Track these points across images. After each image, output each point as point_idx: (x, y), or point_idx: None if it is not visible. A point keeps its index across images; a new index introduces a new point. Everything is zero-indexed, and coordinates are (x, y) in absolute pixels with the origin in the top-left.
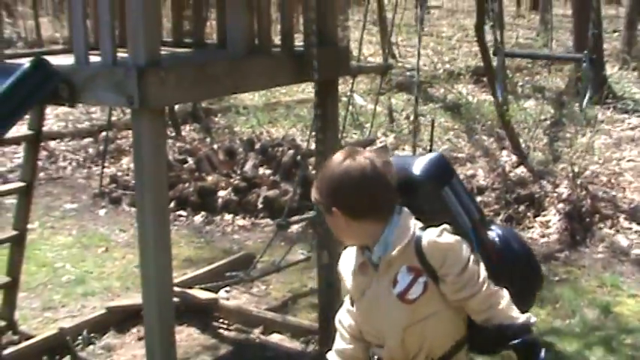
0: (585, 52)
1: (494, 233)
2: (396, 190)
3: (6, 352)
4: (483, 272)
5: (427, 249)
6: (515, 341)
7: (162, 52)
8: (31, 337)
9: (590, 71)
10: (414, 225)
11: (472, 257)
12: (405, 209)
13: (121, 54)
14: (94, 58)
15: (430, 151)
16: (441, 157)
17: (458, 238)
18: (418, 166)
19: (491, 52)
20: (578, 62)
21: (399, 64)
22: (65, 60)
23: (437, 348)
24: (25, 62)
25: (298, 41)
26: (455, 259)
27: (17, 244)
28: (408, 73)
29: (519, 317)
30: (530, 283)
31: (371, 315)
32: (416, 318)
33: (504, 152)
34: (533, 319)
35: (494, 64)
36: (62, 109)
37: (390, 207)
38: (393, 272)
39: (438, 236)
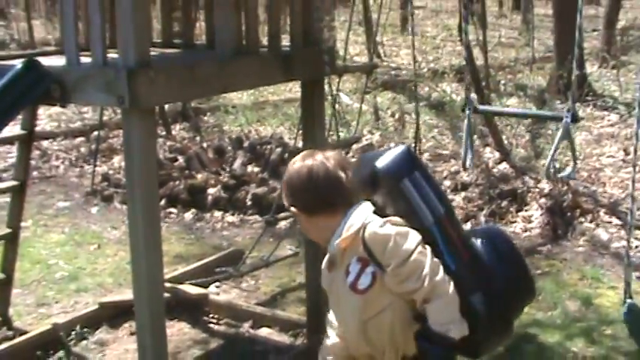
0: (566, 108)
1: (477, 234)
2: (353, 185)
3: (1, 347)
4: (429, 267)
5: (369, 239)
6: (423, 346)
7: (152, 53)
8: (26, 332)
9: (570, 131)
10: (367, 217)
11: (418, 250)
12: (366, 202)
13: (112, 55)
14: (85, 60)
15: (415, 147)
16: (405, 150)
17: (401, 229)
18: (381, 160)
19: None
20: (559, 120)
21: (385, 64)
22: (57, 61)
23: (406, 343)
24: (18, 63)
25: (285, 42)
26: (394, 251)
27: (11, 241)
28: (392, 72)
29: (444, 325)
30: (515, 286)
31: (337, 309)
32: (372, 310)
33: (487, 149)
34: (453, 334)
35: (465, 121)
36: (55, 110)
37: (346, 202)
38: (346, 263)
39: (379, 227)
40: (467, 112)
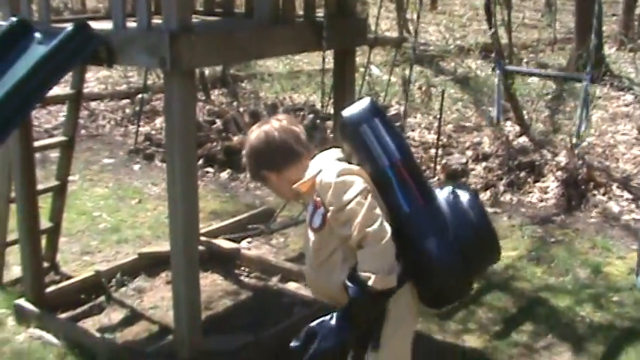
0: (586, 71)
1: (448, 189)
2: (306, 139)
3: (49, 289)
4: (363, 217)
5: (317, 185)
6: (348, 284)
7: (194, 20)
8: (71, 277)
9: (589, 91)
10: (326, 163)
11: (356, 200)
12: (331, 150)
13: (156, 20)
14: (131, 24)
15: (440, 119)
16: (368, 101)
17: (347, 178)
18: (346, 109)
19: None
20: (578, 81)
21: (413, 40)
22: (105, 25)
23: None
24: (69, 26)
25: (319, 12)
26: (334, 197)
27: (59, 193)
28: (421, 47)
29: (367, 272)
30: (475, 238)
31: (305, 246)
32: (325, 251)
33: (508, 123)
34: (373, 283)
35: (495, 80)
36: (102, 73)
37: (309, 150)
38: (307, 204)
39: (328, 174)
40: (497, 72)
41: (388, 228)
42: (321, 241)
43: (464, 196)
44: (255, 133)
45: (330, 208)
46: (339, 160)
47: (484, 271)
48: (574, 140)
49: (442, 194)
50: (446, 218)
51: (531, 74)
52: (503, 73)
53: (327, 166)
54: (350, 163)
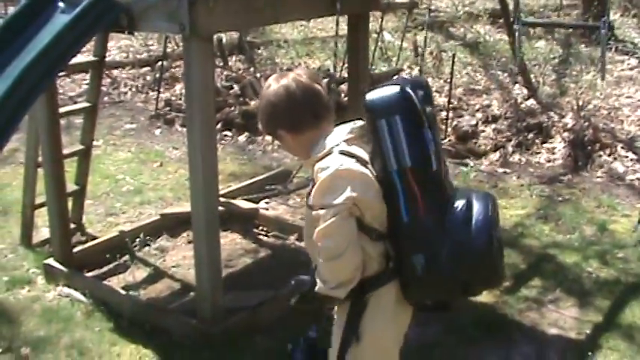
0: (603, 19)
1: (469, 197)
2: (329, 100)
3: (76, 249)
4: (326, 230)
5: (315, 171)
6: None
7: None
8: (96, 238)
9: (606, 38)
10: (335, 144)
11: (331, 211)
12: (342, 127)
13: None
14: None
15: (450, 83)
16: (396, 92)
17: (335, 182)
18: (373, 92)
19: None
20: (596, 29)
21: (424, 6)
22: None
23: None
24: None
25: None
26: (317, 192)
27: (84, 157)
28: (431, 14)
29: (318, 276)
30: (470, 261)
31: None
32: (311, 228)
33: (517, 86)
34: (318, 288)
35: (516, 33)
36: (124, 42)
37: (329, 114)
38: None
39: (325, 165)
40: (516, 26)
41: (346, 251)
42: (313, 220)
43: (477, 213)
44: (274, 88)
45: (311, 198)
46: (352, 137)
47: (479, 292)
48: (598, 80)
49: (456, 205)
50: (444, 235)
51: (549, 25)
52: (522, 25)
53: (331, 156)
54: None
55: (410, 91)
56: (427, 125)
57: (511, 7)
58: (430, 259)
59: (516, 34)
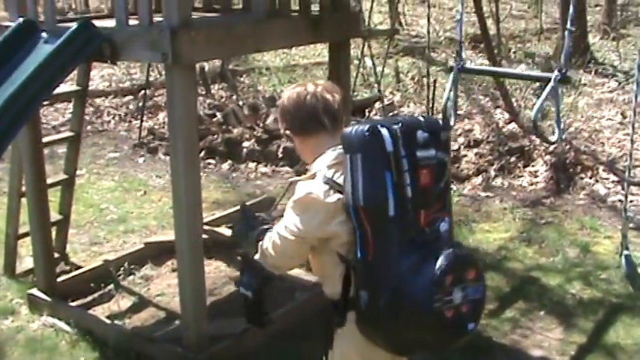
0: (557, 67)
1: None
2: (338, 111)
3: (60, 279)
4: (279, 242)
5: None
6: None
7: (193, 16)
8: (80, 267)
9: (558, 92)
10: (319, 169)
11: (291, 230)
12: (333, 151)
13: (157, 18)
14: (133, 22)
15: (432, 108)
16: (366, 129)
17: (304, 208)
18: (348, 128)
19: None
20: (546, 81)
21: (405, 32)
22: (108, 23)
23: (327, 283)
24: (73, 25)
25: (314, 6)
26: (289, 205)
27: (67, 186)
28: (413, 40)
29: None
30: (412, 315)
31: None
32: None
33: (498, 110)
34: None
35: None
36: (106, 71)
37: (335, 122)
38: None
39: (300, 189)
40: (455, 69)
41: (283, 263)
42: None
43: (429, 269)
44: (288, 93)
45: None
46: (337, 163)
47: (434, 348)
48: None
49: (411, 258)
50: (390, 282)
51: (491, 73)
52: (459, 72)
53: (313, 181)
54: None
55: (384, 131)
56: (402, 169)
57: (492, 32)
58: (372, 298)
59: (450, 76)
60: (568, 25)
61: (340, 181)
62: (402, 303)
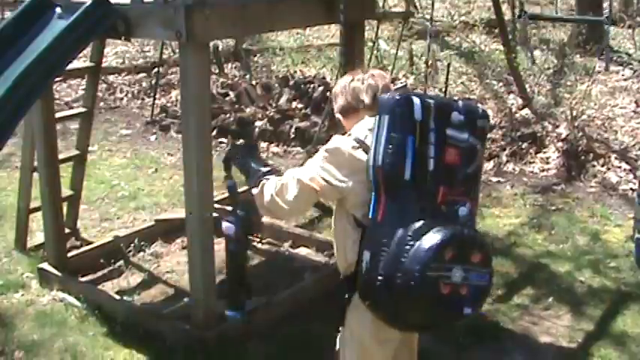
0: (606, 14)
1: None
2: (380, 92)
3: (70, 254)
4: (292, 184)
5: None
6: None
7: None
8: (91, 243)
9: (609, 32)
10: (355, 131)
11: (310, 176)
12: (367, 119)
13: None
14: None
15: (445, 92)
16: (399, 96)
17: (328, 158)
18: (389, 92)
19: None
20: (600, 24)
21: (419, 15)
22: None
23: (345, 252)
24: (88, 1)
25: None
26: (318, 153)
27: (79, 162)
28: (427, 23)
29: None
30: (402, 286)
31: None
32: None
33: (511, 95)
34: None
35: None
36: (120, 48)
37: (374, 102)
38: None
39: (331, 142)
40: (522, 18)
41: (285, 208)
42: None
43: (431, 238)
44: (342, 79)
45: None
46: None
47: (429, 323)
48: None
49: (418, 224)
50: (393, 244)
51: (554, 19)
52: (528, 18)
53: (344, 137)
54: None
55: (416, 100)
56: (428, 140)
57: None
58: (372, 258)
59: (518, 26)
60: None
61: (369, 142)
62: (399, 267)
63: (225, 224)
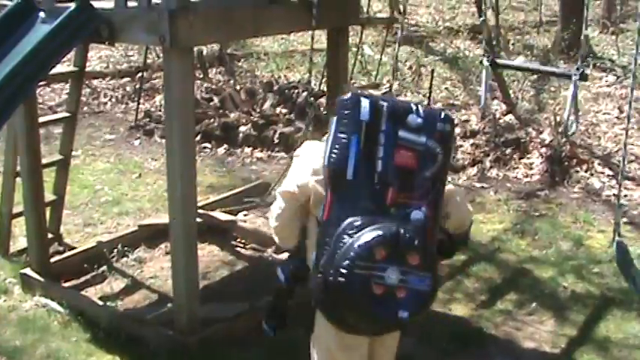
0: (576, 66)
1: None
2: None
3: (53, 259)
4: (276, 203)
5: None
6: None
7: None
8: (74, 248)
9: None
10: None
11: (286, 180)
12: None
13: (155, 0)
14: (132, 3)
15: (429, 97)
16: (347, 97)
17: (297, 160)
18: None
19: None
20: (568, 78)
21: (405, 21)
22: (106, 4)
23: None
24: (72, 5)
25: None
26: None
27: (62, 167)
28: (411, 29)
29: None
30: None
31: None
32: None
33: (495, 101)
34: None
35: (483, 71)
36: (104, 52)
37: None
38: None
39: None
40: (485, 63)
41: (276, 227)
42: None
43: (365, 236)
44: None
45: None
46: None
47: (365, 326)
48: (563, 132)
49: (357, 222)
50: (330, 244)
51: (520, 69)
52: (491, 65)
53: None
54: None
55: (364, 101)
56: (377, 141)
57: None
58: (317, 257)
59: (484, 72)
60: (584, 29)
61: None
62: (332, 263)
63: (278, 268)
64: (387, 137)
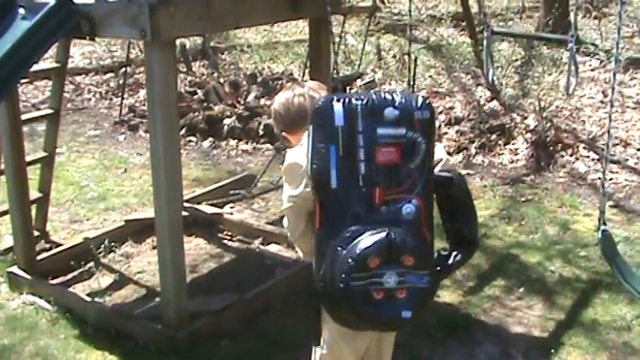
0: (571, 32)
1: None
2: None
3: (40, 257)
4: (286, 210)
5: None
6: None
7: None
8: (61, 245)
9: (575, 53)
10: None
11: (290, 197)
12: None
13: None
14: None
15: (412, 85)
16: (321, 101)
17: (292, 174)
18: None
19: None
20: (563, 42)
21: (387, 10)
22: None
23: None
24: (51, 1)
25: None
26: (283, 174)
27: (47, 164)
28: (394, 17)
29: None
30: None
31: None
32: None
33: (480, 88)
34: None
35: (484, 42)
36: (87, 48)
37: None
38: None
39: (286, 158)
40: (485, 34)
41: (294, 232)
42: None
43: (356, 247)
44: (279, 96)
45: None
46: None
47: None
48: (565, 91)
49: (348, 232)
50: (328, 253)
51: (516, 36)
52: (491, 35)
53: (298, 148)
54: None
55: (337, 105)
56: (356, 144)
57: (474, 10)
58: (315, 267)
59: (485, 42)
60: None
61: None
62: (332, 276)
63: None
64: (366, 138)
